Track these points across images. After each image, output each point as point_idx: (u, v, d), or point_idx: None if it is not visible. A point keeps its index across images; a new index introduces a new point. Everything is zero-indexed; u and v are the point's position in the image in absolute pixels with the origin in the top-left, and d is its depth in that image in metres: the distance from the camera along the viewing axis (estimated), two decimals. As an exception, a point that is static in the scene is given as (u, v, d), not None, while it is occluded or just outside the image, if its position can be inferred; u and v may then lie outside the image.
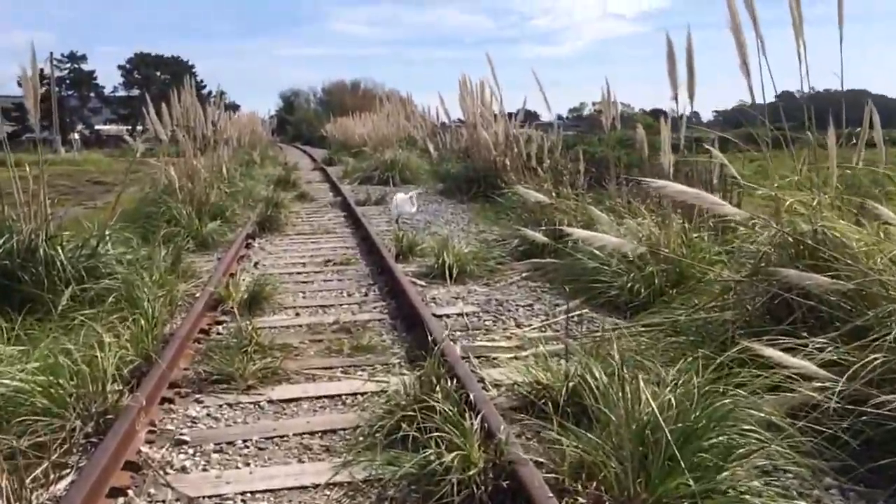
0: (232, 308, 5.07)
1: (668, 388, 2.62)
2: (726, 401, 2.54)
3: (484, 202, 11.79)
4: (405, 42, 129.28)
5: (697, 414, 2.43)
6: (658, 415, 2.33)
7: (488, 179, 12.36)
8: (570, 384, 3.08)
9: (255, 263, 7.04)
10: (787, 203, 3.42)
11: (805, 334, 3.02)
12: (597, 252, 5.65)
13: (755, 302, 3.47)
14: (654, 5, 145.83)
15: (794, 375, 2.64)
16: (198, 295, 5.30)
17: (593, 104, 42.33)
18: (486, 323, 4.80)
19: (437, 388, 3.03)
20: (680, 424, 2.39)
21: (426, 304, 5.23)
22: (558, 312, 4.98)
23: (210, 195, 9.28)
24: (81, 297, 4.48)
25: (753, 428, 2.47)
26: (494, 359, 4.02)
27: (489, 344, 4.30)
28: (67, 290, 4.38)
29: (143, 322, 3.95)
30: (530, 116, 13.88)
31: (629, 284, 4.97)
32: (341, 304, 5.41)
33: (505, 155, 12.48)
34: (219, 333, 4.61)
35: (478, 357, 4.04)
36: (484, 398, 3.02)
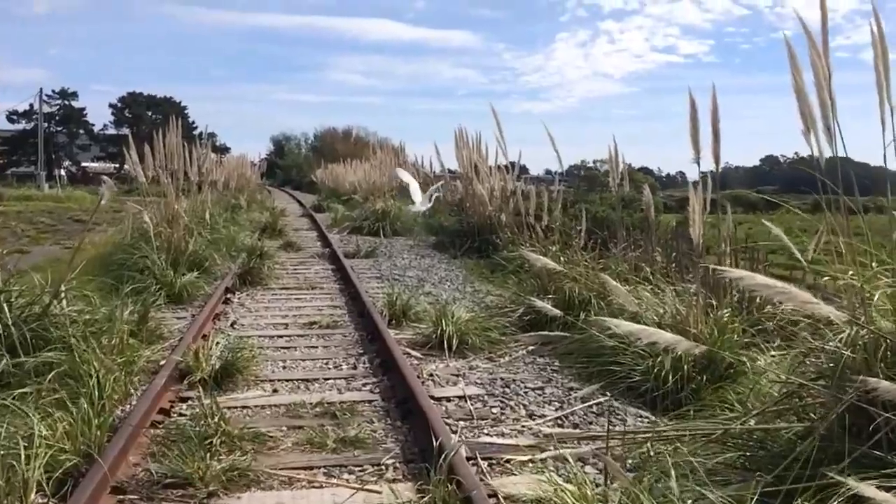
0: (202, 379, 4.43)
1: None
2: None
3: (478, 258, 11.28)
4: (399, 93, 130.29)
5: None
6: None
7: (483, 235, 11.88)
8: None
9: (233, 323, 6.39)
10: (874, 297, 2.85)
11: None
12: (605, 322, 5.07)
13: (827, 413, 2.87)
14: (641, 66, 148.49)
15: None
16: (163, 363, 4.65)
17: (594, 161, 42.21)
18: (493, 410, 4.16)
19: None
20: None
21: (423, 381, 4.60)
22: (574, 399, 4.36)
23: (189, 243, 8.64)
24: (16, 372, 3.81)
25: None
26: (507, 462, 3.39)
27: (499, 441, 3.66)
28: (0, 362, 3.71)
29: (86, 406, 3.29)
30: (521, 171, 13.41)
31: (655, 370, 4.36)
32: (326, 379, 4.76)
33: (501, 210, 12.01)
34: (182, 414, 3.94)
35: (486, 459, 3.40)
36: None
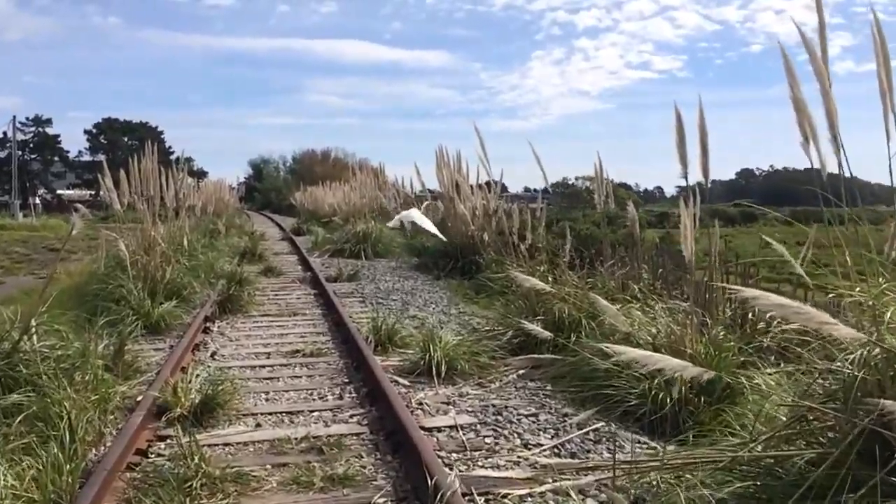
0: (181, 415, 4.23)
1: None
2: None
3: (461, 279, 11.14)
4: (377, 114, 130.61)
5: None
6: None
7: (466, 255, 11.76)
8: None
9: (213, 353, 6.17)
10: (886, 314, 2.72)
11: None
12: (606, 349, 4.94)
13: (839, 438, 2.74)
14: (616, 83, 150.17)
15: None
16: (140, 399, 4.45)
17: (577, 178, 42.32)
18: (487, 440, 4.00)
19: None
20: None
21: (412, 411, 4.43)
22: (570, 426, 4.20)
23: (166, 270, 8.41)
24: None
25: None
26: (504, 497, 3.22)
27: (494, 474, 3.49)
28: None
29: (56, 451, 3.09)
30: (501, 189, 13.28)
31: (653, 392, 4.22)
32: (311, 411, 4.57)
33: (483, 230, 11.90)
34: (160, 455, 3.74)
35: (483, 494, 3.23)
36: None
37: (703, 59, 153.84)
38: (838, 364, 2.75)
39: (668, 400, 4.16)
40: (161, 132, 61.22)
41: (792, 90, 3.02)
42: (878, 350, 2.62)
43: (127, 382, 4.90)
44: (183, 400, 4.34)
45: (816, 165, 2.95)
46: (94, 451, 3.69)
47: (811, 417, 2.98)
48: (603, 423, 4.20)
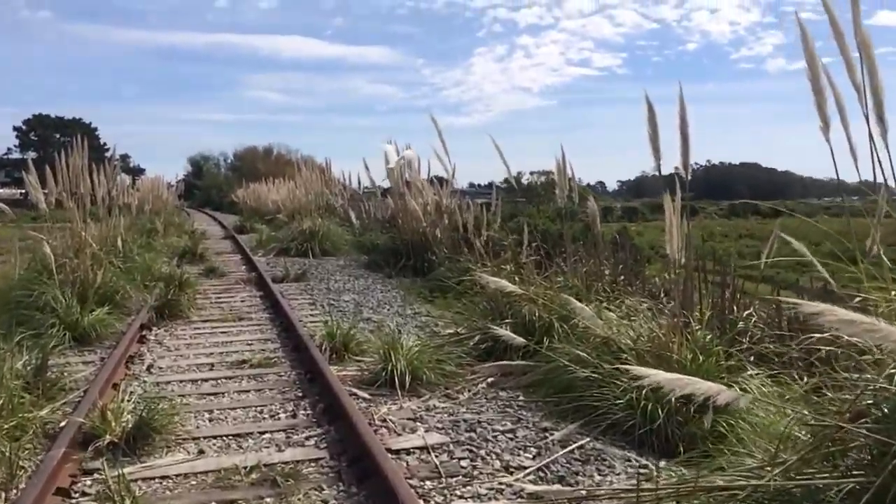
0: (112, 443, 3.70)
1: None
2: None
3: (414, 277, 10.72)
4: (320, 110, 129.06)
5: None
6: None
7: (417, 252, 11.33)
8: None
9: (149, 366, 5.59)
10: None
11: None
12: (583, 355, 4.56)
13: (876, 462, 2.40)
14: (558, 80, 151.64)
15: None
16: (63, 424, 3.89)
17: (531, 173, 42.11)
18: (463, 463, 3.57)
19: None
20: None
21: (376, 429, 3.98)
22: (552, 443, 3.81)
23: (98, 274, 7.74)
24: None
25: None
26: (491, 536, 2.80)
27: (477, 507, 3.07)
28: None
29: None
30: (444, 183, 12.83)
31: (642, 404, 3.85)
32: (262, 433, 4.07)
33: (435, 226, 11.49)
34: (86, 493, 3.21)
35: (466, 532, 2.81)
36: None
37: (641, 56, 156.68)
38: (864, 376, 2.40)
39: (659, 412, 3.81)
40: (95, 128, 59.17)
41: (812, 73, 2.67)
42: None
43: (50, 404, 4.31)
44: (114, 425, 3.80)
45: (842, 151, 2.62)
46: (3, 494, 3.14)
47: (838, 438, 2.63)
48: (588, 439, 3.82)
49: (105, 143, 46.14)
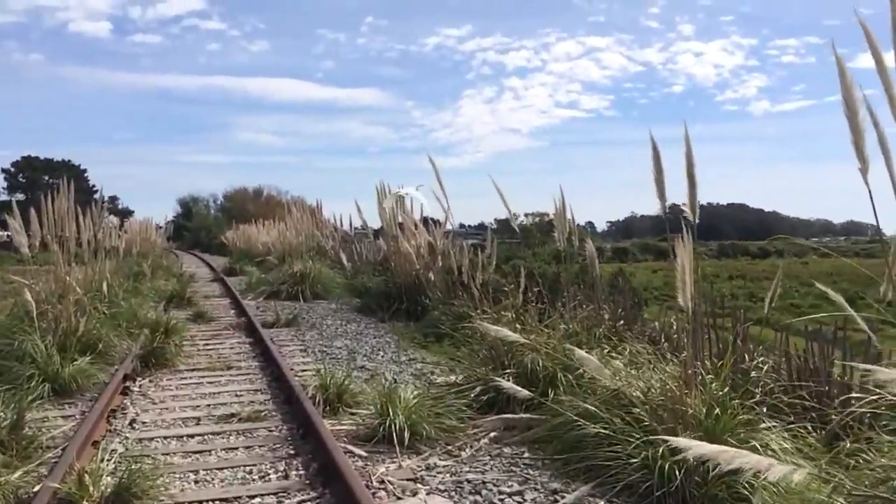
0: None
1: None
2: None
3: (407, 321, 10.49)
4: (311, 151, 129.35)
5: None
6: None
7: (410, 296, 11.12)
8: None
9: (132, 421, 5.30)
10: None
11: None
12: (592, 408, 4.32)
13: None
14: (546, 121, 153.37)
15: None
16: (37, 490, 3.61)
17: (525, 215, 42.09)
18: (470, 533, 3.31)
19: None
20: None
21: (374, 492, 3.72)
22: (563, 507, 3.55)
23: (81, 321, 7.45)
24: None
25: None
26: None
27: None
28: None
29: None
30: (437, 224, 12.66)
31: (658, 464, 3.61)
32: (252, 497, 3.79)
33: (429, 269, 11.28)
34: (57, 571, 2.93)
35: None
36: None
37: (628, 98, 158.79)
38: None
39: (677, 473, 3.57)
40: (84, 170, 59.04)
41: (847, 107, 2.51)
42: None
43: (24, 465, 4.04)
44: (91, 490, 3.53)
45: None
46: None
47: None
48: (602, 502, 3.56)
49: (94, 185, 45.94)
